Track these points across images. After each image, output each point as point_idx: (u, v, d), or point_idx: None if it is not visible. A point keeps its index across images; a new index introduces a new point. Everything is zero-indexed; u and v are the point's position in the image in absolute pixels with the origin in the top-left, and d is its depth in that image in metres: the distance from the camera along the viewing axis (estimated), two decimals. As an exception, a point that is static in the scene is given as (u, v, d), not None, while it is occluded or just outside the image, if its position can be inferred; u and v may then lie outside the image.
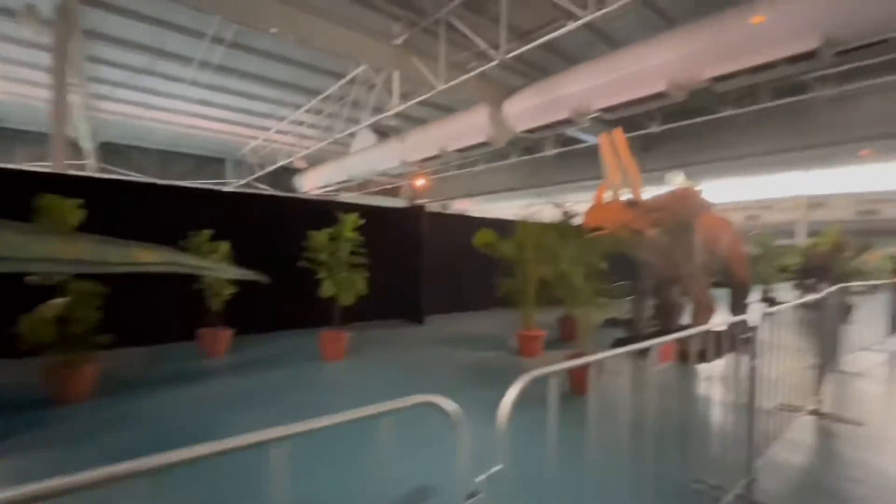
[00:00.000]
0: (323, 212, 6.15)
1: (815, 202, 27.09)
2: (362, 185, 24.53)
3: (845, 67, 10.04)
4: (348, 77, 10.95)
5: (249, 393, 4.25)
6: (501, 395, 1.28)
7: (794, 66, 6.81)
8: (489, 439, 1.24)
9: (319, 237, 5.27)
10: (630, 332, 7.17)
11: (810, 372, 3.94)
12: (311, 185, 22.09)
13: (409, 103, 9.28)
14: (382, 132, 16.42)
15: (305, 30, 7.41)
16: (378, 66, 9.31)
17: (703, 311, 5.91)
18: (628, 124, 13.67)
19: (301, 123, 14.63)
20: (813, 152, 13.19)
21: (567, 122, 9.80)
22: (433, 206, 24.34)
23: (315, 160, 20.92)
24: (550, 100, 9.73)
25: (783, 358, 3.11)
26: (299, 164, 20.63)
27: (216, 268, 4.12)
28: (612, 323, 8.79)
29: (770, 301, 12.40)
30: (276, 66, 11.58)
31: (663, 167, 15.76)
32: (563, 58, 10.57)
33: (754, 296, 9.98)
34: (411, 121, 15.63)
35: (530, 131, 10.73)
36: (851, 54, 8.77)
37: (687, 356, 5.81)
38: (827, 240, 12.87)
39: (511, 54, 6.85)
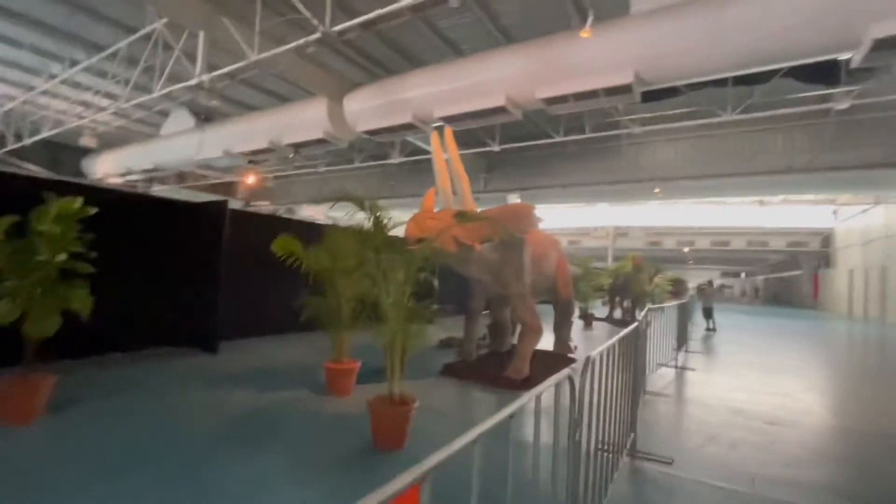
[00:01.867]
0: (33, 196, 4.04)
1: (620, 232, 32.45)
2: (181, 178, 20.49)
3: (651, 115, 11.63)
4: (142, 32, 8.52)
5: None
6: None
7: (611, 98, 7.26)
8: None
9: (-10, 229, 3.29)
10: (460, 355, 6.61)
11: (626, 399, 3.64)
12: (106, 170, 17.48)
13: (216, 73, 7.44)
14: (205, 116, 13.73)
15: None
16: (180, 22, 7.30)
17: (532, 333, 5.59)
18: (473, 142, 13.87)
19: (79, 86, 11.15)
20: (620, 187, 15.23)
21: (410, 127, 9.15)
22: (279, 211, 21.68)
23: (113, 141, 16.64)
24: (393, 101, 8.98)
25: (607, 389, 2.59)
26: (88, 142, 16.16)
27: None
28: (446, 344, 8.21)
29: (589, 317, 13.63)
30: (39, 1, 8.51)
31: (504, 189, 16.53)
32: (409, 60, 9.99)
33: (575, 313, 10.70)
34: (245, 108, 13.40)
35: (373, 133, 9.81)
36: (653, 105, 10.19)
37: (512, 384, 5.50)
38: (627, 264, 14.91)
39: (336, 28, 5.78)
